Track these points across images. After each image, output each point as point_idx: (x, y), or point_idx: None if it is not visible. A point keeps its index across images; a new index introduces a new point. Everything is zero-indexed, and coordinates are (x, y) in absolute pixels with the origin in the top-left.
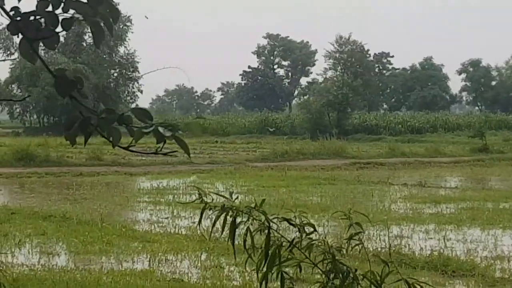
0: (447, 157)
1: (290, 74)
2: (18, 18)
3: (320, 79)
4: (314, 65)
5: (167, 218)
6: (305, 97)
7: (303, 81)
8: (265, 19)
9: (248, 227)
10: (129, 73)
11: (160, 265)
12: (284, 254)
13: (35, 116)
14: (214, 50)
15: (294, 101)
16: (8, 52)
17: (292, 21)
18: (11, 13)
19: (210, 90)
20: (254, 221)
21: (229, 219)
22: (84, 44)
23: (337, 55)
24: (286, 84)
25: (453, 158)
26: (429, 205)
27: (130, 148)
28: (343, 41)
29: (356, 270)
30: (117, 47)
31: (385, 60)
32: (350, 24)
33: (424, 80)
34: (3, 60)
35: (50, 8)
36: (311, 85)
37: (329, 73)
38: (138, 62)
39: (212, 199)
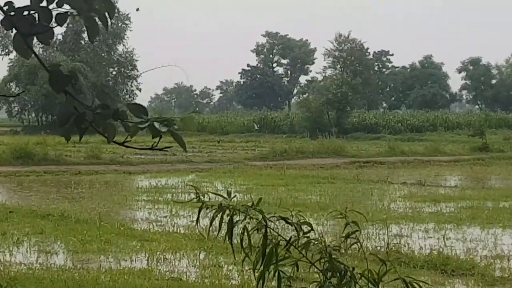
0: (447, 156)
1: (289, 72)
2: (12, 13)
3: (320, 77)
4: (313, 63)
5: (165, 217)
6: (304, 96)
7: (302, 79)
8: (265, 19)
9: (245, 226)
10: (127, 72)
11: (158, 264)
12: (281, 253)
13: (33, 115)
14: (214, 48)
15: (293, 100)
16: (6, 50)
17: (292, 21)
18: (5, 8)
19: (209, 89)
20: (252, 220)
21: (227, 218)
22: (83, 42)
23: (337, 53)
24: (285, 82)
25: (453, 157)
26: (429, 204)
27: (126, 144)
28: (343, 39)
29: (353, 269)
30: (115, 45)
31: (384, 59)
32: (350, 24)
33: (424, 78)
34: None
35: (44, 3)
36: (310, 84)
37: (329, 72)
38: (136, 60)
39: (209, 198)
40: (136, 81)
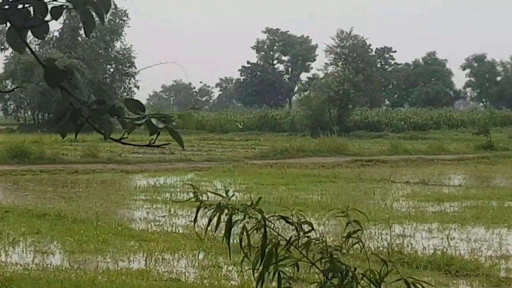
0: (450, 155)
1: (290, 69)
2: (6, 7)
3: (321, 74)
4: (314, 60)
5: (164, 216)
6: (306, 93)
7: (303, 76)
8: (265, 19)
9: (244, 225)
10: (125, 69)
11: (156, 264)
12: (281, 253)
13: (29, 113)
14: (213, 46)
15: (294, 97)
16: (2, 47)
17: (292, 21)
18: None
19: (208, 86)
20: (251, 219)
21: (225, 217)
22: (80, 39)
23: (338, 50)
24: (286, 79)
25: (457, 156)
26: (432, 204)
27: (123, 141)
28: (344, 35)
29: (355, 269)
30: (113, 42)
31: (387, 55)
32: (350, 24)
33: (427, 75)
34: None
35: None
36: (311, 81)
37: (330, 69)
38: (134, 57)
39: (208, 197)
40: (134, 78)
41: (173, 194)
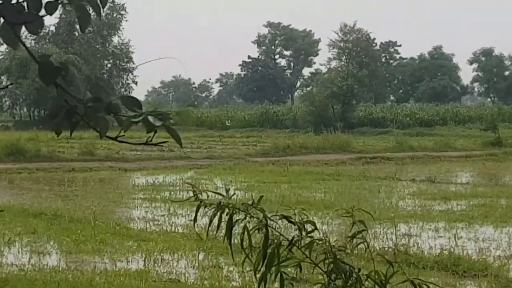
0: (457, 151)
1: (292, 64)
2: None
3: (324, 69)
4: (317, 55)
5: (163, 215)
6: (308, 89)
7: (306, 71)
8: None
9: (245, 225)
10: (123, 64)
11: (155, 265)
12: (284, 254)
13: (25, 109)
14: (213, 40)
15: (296, 93)
16: None
17: (294, 15)
18: None
19: (208, 82)
20: (252, 219)
21: (226, 217)
22: (76, 34)
23: (342, 44)
24: (288, 75)
25: (464, 153)
26: (439, 202)
27: (119, 139)
28: (348, 29)
29: (359, 270)
30: (110, 37)
31: (392, 49)
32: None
33: (433, 70)
34: None
35: None
36: (314, 76)
37: (333, 63)
38: (132, 52)
39: (208, 196)
40: (132, 74)
41: (172, 193)
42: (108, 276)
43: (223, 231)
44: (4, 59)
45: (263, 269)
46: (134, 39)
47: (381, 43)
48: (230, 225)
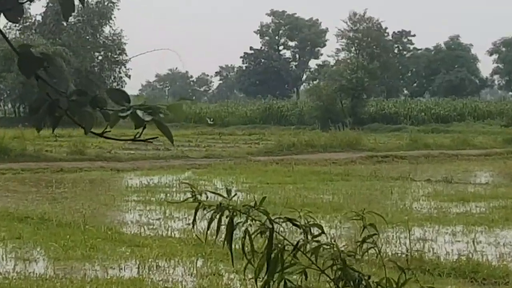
0: (476, 149)
1: (297, 56)
2: None
3: (332, 61)
4: (324, 45)
5: (158, 219)
6: (315, 82)
7: (313, 63)
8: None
9: (246, 228)
10: (115, 56)
11: (150, 272)
12: (288, 260)
13: (9, 105)
14: (212, 30)
15: (302, 87)
16: None
17: (299, 2)
18: None
19: (207, 75)
20: (254, 222)
21: (226, 219)
22: (65, 24)
23: (351, 34)
24: (293, 67)
25: (484, 150)
26: (456, 204)
27: (105, 135)
28: (358, 18)
29: (369, 277)
30: (101, 27)
31: (405, 40)
32: (365, 1)
33: (450, 61)
34: None
35: None
36: (321, 68)
37: (342, 55)
38: (125, 44)
39: (207, 197)
40: (125, 66)
41: (168, 195)
42: (99, 284)
43: (224, 235)
44: None
45: (265, 276)
46: (127, 29)
47: (394, 32)
48: (231, 228)
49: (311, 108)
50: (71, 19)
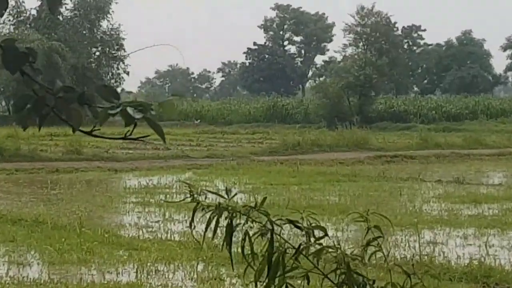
0: (489, 149)
1: (303, 51)
2: None
3: (339, 57)
4: (331, 41)
5: (157, 221)
6: (321, 79)
7: (319, 59)
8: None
9: (246, 230)
10: (113, 52)
11: (149, 277)
12: (289, 263)
13: (3, 103)
14: (214, 25)
15: (307, 84)
16: None
17: None
18: None
19: (209, 71)
20: (255, 223)
21: (225, 221)
22: (61, 18)
23: (359, 29)
24: (299, 63)
25: (497, 150)
26: (468, 206)
27: (94, 133)
28: (366, 12)
29: (373, 282)
30: (99, 21)
31: (415, 35)
32: None
33: (462, 57)
34: None
35: None
36: (328, 65)
37: (349, 50)
38: (123, 39)
39: (206, 197)
40: (123, 63)
41: (168, 196)
42: None
43: (223, 237)
44: None
45: (266, 280)
46: (125, 24)
47: (403, 27)
48: (230, 230)
49: (317, 106)
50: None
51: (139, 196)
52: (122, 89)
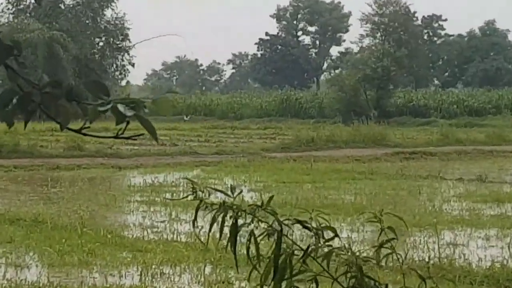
0: None
1: (317, 42)
2: None
3: (355, 48)
4: (347, 31)
5: (163, 221)
6: (337, 71)
7: (334, 51)
8: None
9: (252, 230)
10: (117, 42)
11: (154, 280)
12: (297, 266)
13: None
14: (224, 14)
15: (322, 76)
16: None
17: None
18: None
19: (219, 63)
20: (261, 223)
21: (230, 220)
22: (62, 7)
23: (376, 18)
24: (313, 55)
25: None
26: (491, 205)
27: (84, 131)
28: (384, 1)
29: (386, 286)
30: (102, 10)
31: (436, 25)
32: None
33: (485, 49)
34: None
35: None
36: (343, 56)
37: (366, 41)
38: (128, 29)
39: (215, 195)
40: (128, 54)
41: (174, 194)
42: None
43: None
44: None
45: (272, 283)
46: (131, 13)
47: (423, 17)
48: (235, 230)
49: (332, 100)
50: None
51: (144, 195)
52: (127, 82)
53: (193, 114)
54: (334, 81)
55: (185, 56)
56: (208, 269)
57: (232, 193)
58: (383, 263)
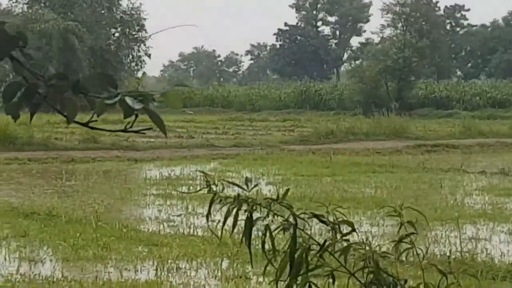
0: None
1: (337, 33)
2: None
3: (376, 39)
4: (368, 21)
5: (179, 215)
6: (357, 62)
7: (354, 41)
8: None
9: (267, 224)
10: (133, 33)
11: (170, 274)
12: (313, 261)
13: None
14: (242, 4)
15: (342, 67)
16: None
17: None
18: None
19: (237, 54)
20: (277, 217)
21: (245, 214)
22: None
23: (397, 8)
24: (333, 45)
25: None
26: None
27: (91, 125)
28: None
29: (405, 282)
30: (118, 0)
31: (458, 15)
32: None
33: (508, 39)
34: None
35: None
36: (364, 47)
37: (387, 32)
38: (145, 19)
39: (225, 188)
40: (145, 45)
41: (191, 188)
42: (113, 287)
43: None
44: None
45: (288, 278)
46: (147, 3)
47: (446, 7)
48: (250, 224)
49: (352, 92)
50: None
51: (160, 188)
52: (144, 73)
53: (210, 106)
54: (355, 72)
55: (202, 47)
56: (225, 264)
57: (247, 186)
58: (403, 258)
